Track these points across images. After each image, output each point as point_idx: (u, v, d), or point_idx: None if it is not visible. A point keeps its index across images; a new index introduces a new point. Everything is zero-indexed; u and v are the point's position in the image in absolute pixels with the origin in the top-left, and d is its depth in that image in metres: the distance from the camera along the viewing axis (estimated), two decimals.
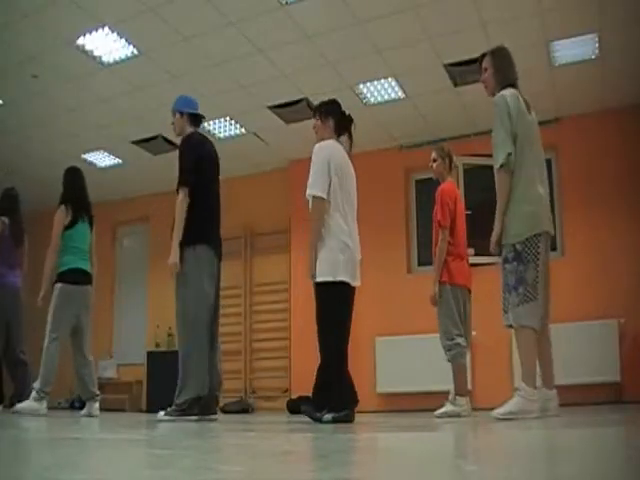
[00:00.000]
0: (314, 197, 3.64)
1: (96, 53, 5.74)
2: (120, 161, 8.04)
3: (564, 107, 6.72)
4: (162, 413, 3.85)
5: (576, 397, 5.91)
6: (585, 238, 6.63)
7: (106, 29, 5.40)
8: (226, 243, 8.46)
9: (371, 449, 2.12)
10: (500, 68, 3.50)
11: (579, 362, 5.98)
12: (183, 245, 3.96)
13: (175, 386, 3.78)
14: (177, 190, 4.03)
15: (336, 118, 3.95)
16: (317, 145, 3.81)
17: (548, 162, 7.10)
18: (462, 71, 6.06)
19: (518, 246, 3.29)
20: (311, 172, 3.70)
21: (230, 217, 8.37)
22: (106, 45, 5.62)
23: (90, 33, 5.45)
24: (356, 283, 3.73)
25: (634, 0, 4.97)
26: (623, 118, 6.59)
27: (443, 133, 7.15)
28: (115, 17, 5.25)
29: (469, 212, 7.10)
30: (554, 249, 6.80)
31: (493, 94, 3.55)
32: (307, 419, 3.70)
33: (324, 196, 3.64)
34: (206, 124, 7.18)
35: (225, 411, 7.15)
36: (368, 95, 6.59)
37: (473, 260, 6.93)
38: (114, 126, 7.12)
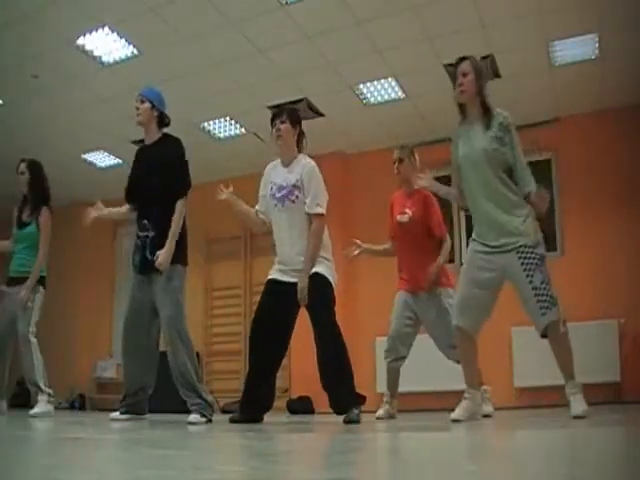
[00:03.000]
0: (322, 215, 3.67)
1: (96, 53, 5.74)
2: (120, 161, 8.04)
3: (564, 107, 6.73)
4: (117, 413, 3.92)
5: None
6: (585, 238, 6.63)
7: (106, 29, 5.39)
8: (226, 243, 8.56)
9: (371, 449, 2.12)
10: (481, 77, 3.47)
11: (579, 362, 5.91)
12: (182, 265, 3.87)
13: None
14: (178, 196, 3.80)
15: (301, 130, 3.83)
16: (313, 163, 3.76)
17: (548, 162, 7.11)
18: None
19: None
20: (319, 190, 3.69)
21: (230, 217, 8.39)
22: (106, 45, 5.62)
23: (90, 33, 5.45)
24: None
25: (634, 0, 4.98)
26: (623, 118, 6.58)
27: (443, 133, 7.14)
28: (115, 17, 5.25)
29: (467, 212, 7.11)
30: (554, 249, 6.79)
31: (460, 103, 3.50)
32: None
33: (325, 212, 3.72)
34: (206, 124, 7.18)
35: (225, 411, 7.14)
36: (368, 95, 6.59)
37: None
38: (114, 126, 7.12)
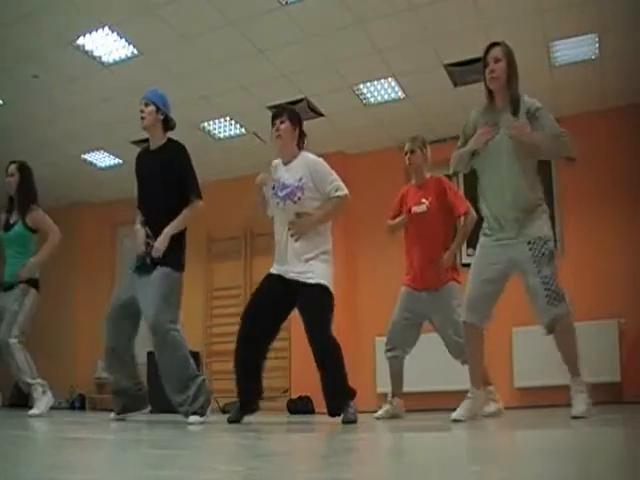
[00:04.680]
0: (346, 196, 3.68)
1: (96, 53, 5.74)
2: (120, 161, 8.05)
3: (564, 107, 6.72)
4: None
5: None
6: (585, 238, 6.63)
7: (106, 29, 5.40)
8: (226, 243, 8.56)
9: (371, 449, 2.12)
10: (513, 65, 3.38)
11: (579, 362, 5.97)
12: (175, 270, 3.78)
13: (174, 387, 3.75)
14: (190, 199, 3.79)
15: (301, 129, 3.81)
16: (315, 157, 3.74)
17: (548, 162, 7.10)
18: (462, 71, 6.06)
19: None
20: (333, 176, 3.69)
21: (230, 217, 8.42)
22: (106, 45, 5.63)
23: (90, 33, 5.45)
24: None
25: (634, 0, 4.98)
26: (623, 118, 6.59)
27: (443, 133, 7.14)
28: (115, 17, 5.25)
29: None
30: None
31: (492, 90, 3.42)
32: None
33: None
34: (206, 124, 7.18)
35: (225, 411, 7.14)
36: (368, 95, 6.59)
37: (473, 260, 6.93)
38: (114, 126, 7.12)
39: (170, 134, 4.02)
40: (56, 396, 4.95)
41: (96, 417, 5.17)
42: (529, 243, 3.26)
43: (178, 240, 3.83)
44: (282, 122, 3.73)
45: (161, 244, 3.72)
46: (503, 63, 3.36)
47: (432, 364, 5.26)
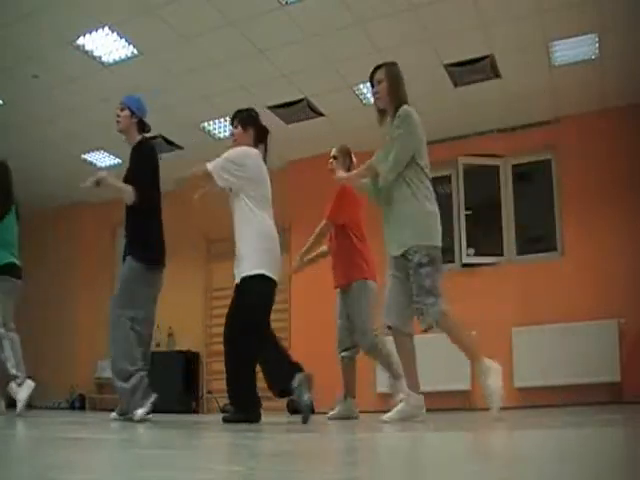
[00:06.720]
0: (209, 173, 3.69)
1: (96, 53, 5.75)
2: (120, 161, 8.04)
3: (564, 107, 6.72)
4: (114, 414, 3.97)
5: (576, 397, 5.90)
6: (585, 238, 6.63)
7: (106, 29, 5.40)
8: (226, 243, 8.49)
9: (371, 449, 2.12)
10: (394, 82, 3.55)
11: (579, 362, 5.98)
12: (135, 260, 3.84)
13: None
14: (136, 201, 3.83)
15: (256, 128, 3.94)
16: (240, 147, 3.84)
17: (548, 162, 7.11)
18: (462, 71, 6.06)
19: (432, 252, 3.35)
20: (225, 155, 3.73)
21: (229, 217, 8.40)
22: (106, 45, 5.63)
23: (90, 33, 5.45)
24: (277, 278, 3.90)
25: (634, 0, 4.98)
26: (623, 118, 6.59)
27: (443, 133, 7.15)
28: (115, 17, 5.25)
29: (469, 212, 7.11)
30: (554, 249, 6.79)
31: (383, 109, 3.59)
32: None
33: (215, 176, 3.69)
34: (206, 124, 7.18)
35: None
36: (368, 95, 6.59)
37: (473, 260, 6.94)
38: (114, 126, 7.09)
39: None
40: (56, 396, 4.95)
41: (96, 417, 5.17)
42: (406, 258, 3.40)
43: (141, 232, 3.91)
44: (235, 127, 3.94)
45: (102, 175, 3.87)
46: (384, 83, 3.57)
47: (432, 364, 5.25)
